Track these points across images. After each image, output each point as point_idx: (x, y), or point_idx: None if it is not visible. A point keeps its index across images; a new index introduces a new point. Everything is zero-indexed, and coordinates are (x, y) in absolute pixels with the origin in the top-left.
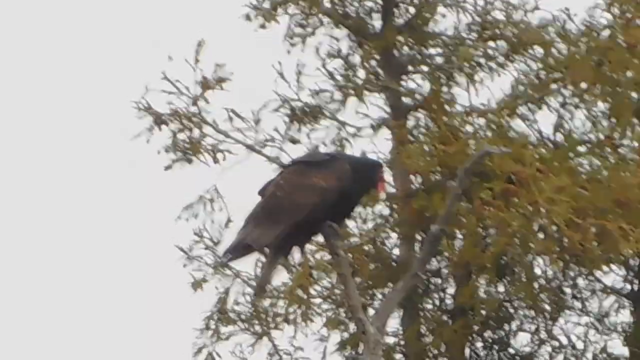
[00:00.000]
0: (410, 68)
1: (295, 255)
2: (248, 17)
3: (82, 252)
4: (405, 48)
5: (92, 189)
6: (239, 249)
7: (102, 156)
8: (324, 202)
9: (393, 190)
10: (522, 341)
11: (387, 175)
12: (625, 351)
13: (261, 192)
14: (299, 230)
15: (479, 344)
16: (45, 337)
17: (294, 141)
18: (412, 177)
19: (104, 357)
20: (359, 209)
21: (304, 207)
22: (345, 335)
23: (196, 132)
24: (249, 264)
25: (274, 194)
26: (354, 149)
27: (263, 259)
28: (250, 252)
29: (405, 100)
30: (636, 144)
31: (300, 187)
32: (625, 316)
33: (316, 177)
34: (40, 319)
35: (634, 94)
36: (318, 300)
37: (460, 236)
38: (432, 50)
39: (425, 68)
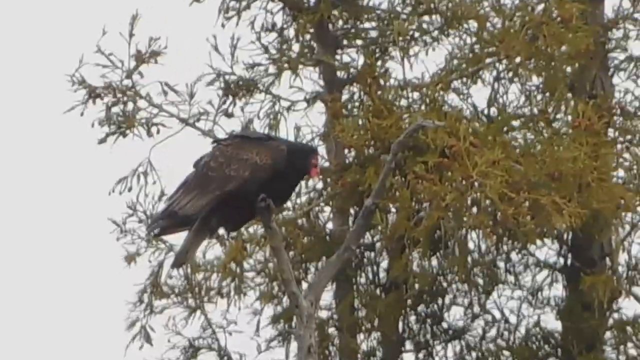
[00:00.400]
0: (344, 42)
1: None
2: None
3: (17, 226)
4: (340, 22)
5: (25, 163)
6: (166, 216)
7: (36, 130)
8: (254, 177)
9: (327, 164)
10: (455, 315)
11: (321, 155)
12: (558, 325)
13: (195, 164)
14: (227, 203)
15: (412, 318)
16: None
17: (228, 115)
18: (346, 150)
19: (37, 332)
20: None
21: (234, 179)
22: (279, 309)
23: (130, 106)
24: (183, 238)
25: (208, 164)
26: (288, 123)
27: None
28: (177, 221)
29: (340, 74)
30: (570, 119)
31: (234, 160)
32: (558, 290)
33: (251, 152)
34: None
35: (568, 69)
36: (251, 274)
37: (393, 210)
38: (366, 24)
39: (359, 42)
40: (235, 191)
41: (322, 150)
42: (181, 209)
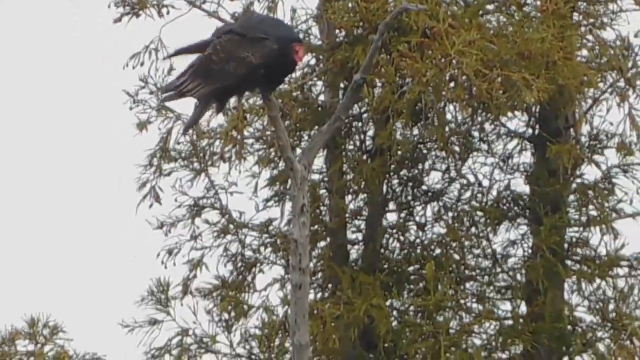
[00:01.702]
0: None
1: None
2: None
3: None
4: None
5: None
6: (176, 93)
7: (55, 14)
8: (250, 73)
9: (320, 42)
10: (434, 179)
11: (314, 35)
12: (526, 189)
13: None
14: (226, 92)
15: (395, 181)
16: None
17: None
18: (337, 31)
19: (57, 196)
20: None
21: (232, 75)
22: (275, 172)
23: None
24: (190, 106)
25: (210, 56)
26: (284, 5)
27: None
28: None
29: None
30: (539, 3)
31: (232, 57)
32: (526, 157)
33: (247, 52)
34: None
35: None
36: (251, 141)
37: (379, 84)
38: None
39: None
40: (234, 84)
41: (315, 30)
42: (189, 92)
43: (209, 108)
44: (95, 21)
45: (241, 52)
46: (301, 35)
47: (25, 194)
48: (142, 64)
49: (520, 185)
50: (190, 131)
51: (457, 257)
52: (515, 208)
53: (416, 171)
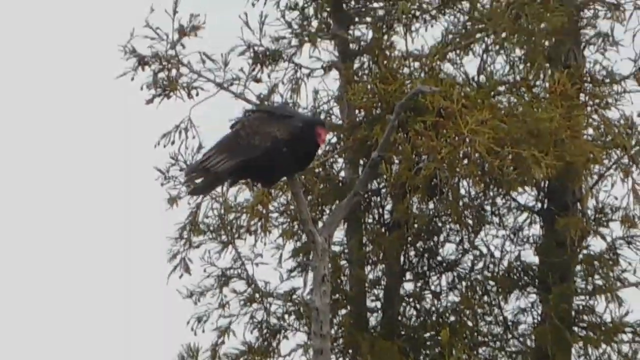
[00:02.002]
0: (356, 19)
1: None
2: None
3: (78, 173)
4: (352, 2)
5: (84, 121)
6: (200, 170)
7: (95, 93)
8: (274, 148)
9: (340, 122)
10: (448, 250)
11: (335, 115)
12: (535, 259)
13: (231, 127)
14: (249, 167)
15: (412, 253)
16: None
17: (257, 80)
18: (356, 111)
19: (92, 266)
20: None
21: (257, 148)
22: (298, 244)
23: (174, 72)
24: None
25: (238, 132)
26: (307, 87)
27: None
28: (208, 176)
29: (352, 46)
30: (547, 85)
31: (258, 132)
32: (536, 230)
33: (273, 127)
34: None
35: (546, 43)
36: (275, 215)
37: (397, 161)
38: (375, 4)
39: (369, 19)
40: (258, 158)
41: (336, 110)
42: (212, 167)
43: (222, 181)
44: (128, 101)
45: (267, 128)
46: (323, 116)
47: (61, 269)
48: (172, 143)
49: (530, 256)
50: (219, 206)
51: (470, 324)
52: (525, 277)
53: (432, 243)
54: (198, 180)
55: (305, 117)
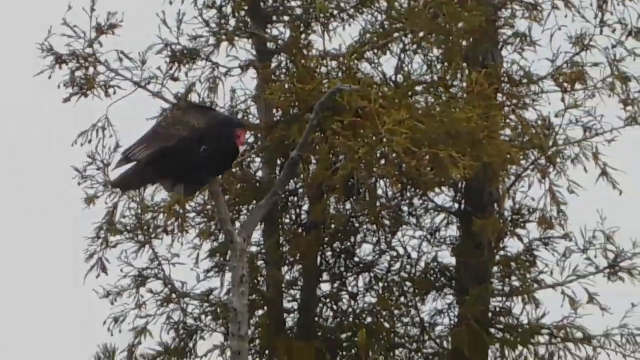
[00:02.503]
0: (274, 17)
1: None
2: None
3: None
4: (270, 0)
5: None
6: (122, 159)
7: (13, 91)
8: (190, 137)
9: (258, 121)
10: (365, 251)
11: (253, 114)
12: (452, 260)
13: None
14: (168, 156)
15: (329, 253)
16: None
17: (174, 79)
18: (274, 110)
19: (10, 266)
20: None
21: (174, 137)
22: (216, 244)
23: (91, 70)
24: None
25: (159, 123)
26: (225, 86)
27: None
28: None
29: (270, 45)
30: (465, 85)
31: (178, 122)
32: (453, 231)
33: (192, 117)
34: None
35: (463, 42)
36: (192, 214)
37: (314, 161)
38: (292, 3)
39: (286, 18)
40: (175, 146)
41: (253, 109)
42: (132, 155)
43: (143, 176)
44: (43, 100)
45: (186, 118)
46: (240, 115)
47: None
48: (89, 141)
49: (447, 257)
50: (136, 205)
51: (387, 325)
52: (442, 279)
53: (349, 243)
54: (121, 170)
55: (227, 116)
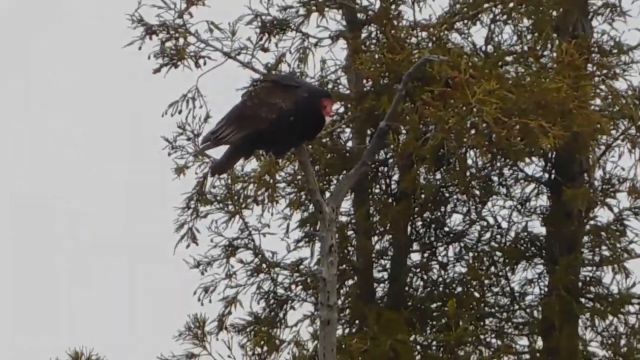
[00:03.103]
0: None
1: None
2: None
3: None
4: None
5: (95, 90)
6: (213, 141)
7: (102, 64)
8: (280, 118)
9: (347, 92)
10: (455, 221)
11: (343, 84)
12: (542, 230)
13: (242, 97)
14: (259, 138)
15: (419, 223)
16: None
17: (264, 50)
18: (364, 80)
19: (101, 236)
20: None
21: (264, 119)
22: (305, 214)
23: (181, 41)
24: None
25: (245, 103)
26: (315, 57)
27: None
28: (221, 145)
29: (360, 15)
30: (555, 55)
31: (265, 102)
32: (543, 201)
33: (279, 97)
34: None
35: (554, 13)
36: (282, 185)
37: (404, 131)
38: None
39: None
40: (265, 130)
41: (344, 80)
42: (223, 138)
43: (239, 156)
44: (134, 70)
45: (272, 99)
46: (330, 85)
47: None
48: (180, 112)
49: (537, 227)
50: (225, 175)
51: (477, 295)
52: (532, 248)
53: (439, 214)
54: (211, 151)
55: (312, 87)
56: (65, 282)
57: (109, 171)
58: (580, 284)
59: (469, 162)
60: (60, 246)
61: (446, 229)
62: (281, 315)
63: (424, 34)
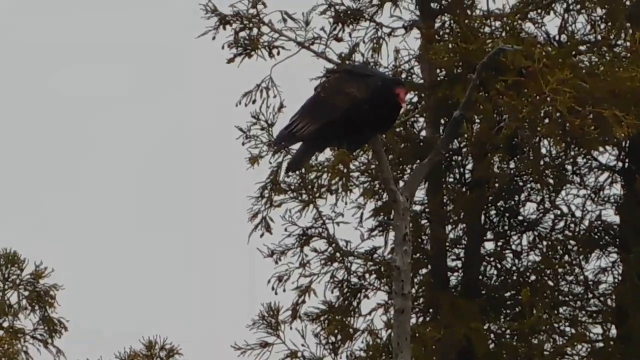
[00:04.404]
0: None
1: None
2: None
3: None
4: None
5: (168, 77)
6: (287, 136)
7: (175, 51)
8: (355, 107)
9: (421, 81)
10: (529, 210)
11: (416, 74)
12: (616, 219)
13: (315, 89)
14: (334, 128)
15: (493, 212)
16: None
17: (338, 39)
18: (437, 70)
19: (174, 227)
20: None
21: (338, 109)
22: (379, 203)
23: (255, 31)
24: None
25: (319, 94)
26: (388, 47)
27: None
28: (295, 140)
29: (433, 5)
30: (628, 44)
31: (339, 92)
32: (617, 189)
33: (352, 87)
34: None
35: (627, 2)
36: (356, 174)
37: (478, 120)
38: None
39: None
40: (340, 120)
41: (417, 69)
42: (298, 131)
43: (313, 151)
44: (208, 60)
45: (346, 88)
46: (404, 75)
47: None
48: (254, 102)
49: (611, 216)
50: (296, 171)
51: (551, 283)
52: (606, 237)
53: (512, 202)
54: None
55: (385, 76)
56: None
57: (184, 158)
58: None
59: (543, 151)
60: None
61: (520, 217)
62: (355, 303)
63: (498, 23)
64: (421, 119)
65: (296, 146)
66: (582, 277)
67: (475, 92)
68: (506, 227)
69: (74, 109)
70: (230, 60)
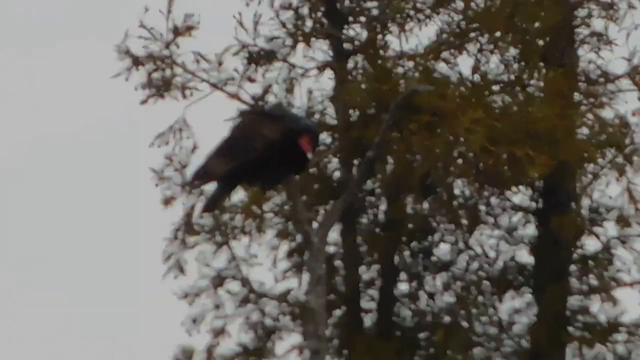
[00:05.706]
0: (350, 18)
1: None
2: None
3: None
4: (347, 1)
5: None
6: (202, 174)
7: (89, 94)
8: (269, 148)
9: (335, 122)
10: (443, 250)
11: (329, 114)
12: (530, 259)
13: (230, 129)
14: (249, 168)
15: (407, 253)
16: None
17: (251, 80)
18: (350, 110)
19: (88, 266)
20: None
21: (253, 150)
22: (293, 244)
23: (168, 72)
24: (213, 185)
25: (234, 134)
26: (301, 87)
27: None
28: (210, 178)
29: (346, 45)
30: (542, 84)
31: (254, 133)
32: (530, 230)
33: (266, 128)
34: None
35: (540, 42)
36: (270, 215)
37: (391, 161)
38: (369, 4)
39: (363, 18)
40: (253, 159)
41: (330, 110)
42: (212, 170)
43: (228, 191)
44: (120, 103)
45: (260, 130)
46: (317, 115)
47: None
48: (167, 143)
49: (525, 256)
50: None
51: (465, 324)
52: (520, 277)
53: (426, 243)
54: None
55: (298, 119)
56: None
57: (97, 199)
58: (568, 312)
59: (457, 191)
60: None
61: (434, 258)
62: (269, 345)
63: (411, 63)
64: (335, 160)
65: (210, 187)
66: (496, 318)
67: (389, 133)
68: (420, 268)
69: None
70: (144, 102)
